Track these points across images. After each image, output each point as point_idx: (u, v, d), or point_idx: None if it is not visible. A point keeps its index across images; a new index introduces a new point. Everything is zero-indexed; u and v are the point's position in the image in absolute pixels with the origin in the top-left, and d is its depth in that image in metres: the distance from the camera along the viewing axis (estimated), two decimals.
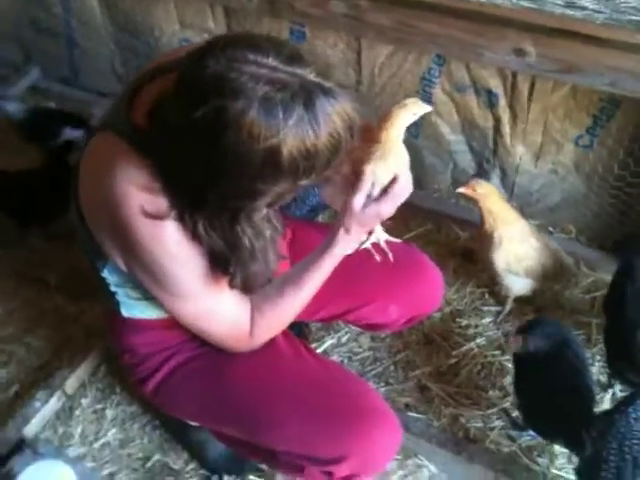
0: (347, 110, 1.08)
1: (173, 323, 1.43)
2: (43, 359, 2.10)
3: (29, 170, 2.38)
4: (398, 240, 1.66)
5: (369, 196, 1.38)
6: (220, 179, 1.10)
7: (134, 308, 1.49)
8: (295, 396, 1.47)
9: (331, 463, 1.43)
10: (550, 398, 1.65)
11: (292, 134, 1.03)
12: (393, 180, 1.37)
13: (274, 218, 1.34)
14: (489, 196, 1.97)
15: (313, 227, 1.86)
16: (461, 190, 1.96)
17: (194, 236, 1.22)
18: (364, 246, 1.58)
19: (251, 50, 1.03)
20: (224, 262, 1.27)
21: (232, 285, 1.33)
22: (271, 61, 1.03)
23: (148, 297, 1.41)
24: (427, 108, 1.44)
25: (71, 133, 2.59)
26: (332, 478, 1.48)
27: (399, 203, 1.39)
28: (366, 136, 1.51)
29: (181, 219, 1.20)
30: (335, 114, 1.06)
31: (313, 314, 1.72)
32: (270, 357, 1.51)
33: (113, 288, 1.45)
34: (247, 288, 1.35)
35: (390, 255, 1.61)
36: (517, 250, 1.99)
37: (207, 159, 1.07)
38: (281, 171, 1.07)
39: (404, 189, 1.38)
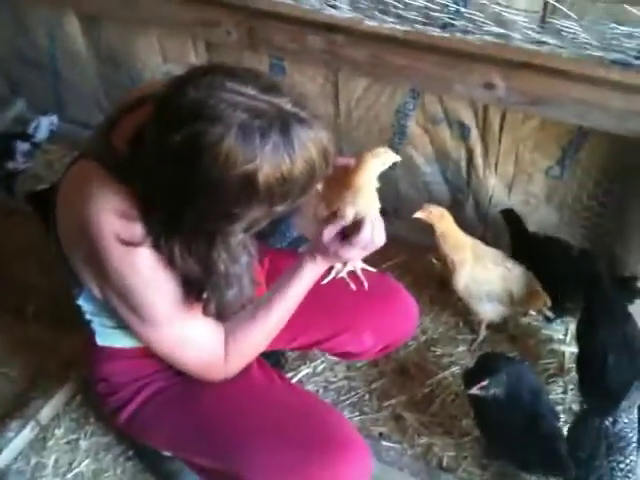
0: (322, 139, 1.12)
1: (148, 352, 1.44)
2: (19, 389, 2.09)
3: None
4: (373, 269, 1.70)
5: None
6: (196, 203, 1.12)
7: (109, 337, 1.50)
8: (266, 427, 1.47)
9: None
10: (514, 431, 1.68)
11: (268, 160, 1.06)
12: (357, 228, 1.39)
13: (249, 244, 1.35)
14: (442, 219, 2.03)
15: (290, 256, 1.88)
16: (417, 215, 2.00)
17: (169, 262, 1.24)
18: (340, 275, 1.62)
19: (230, 78, 1.07)
20: (198, 288, 1.29)
21: (206, 312, 1.34)
22: (249, 90, 1.06)
23: (123, 326, 1.42)
24: (396, 158, 1.51)
25: (22, 145, 2.74)
26: None
27: (367, 252, 1.42)
28: (341, 175, 1.56)
29: (157, 245, 1.22)
30: (310, 142, 1.10)
31: (288, 342, 1.73)
32: (243, 387, 1.52)
33: (88, 316, 1.47)
34: (221, 314, 1.37)
35: (365, 284, 1.65)
36: (473, 274, 2.03)
37: (184, 183, 1.10)
38: (257, 196, 1.10)
39: (370, 240, 1.39)
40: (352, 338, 1.73)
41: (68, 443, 1.97)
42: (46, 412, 1.99)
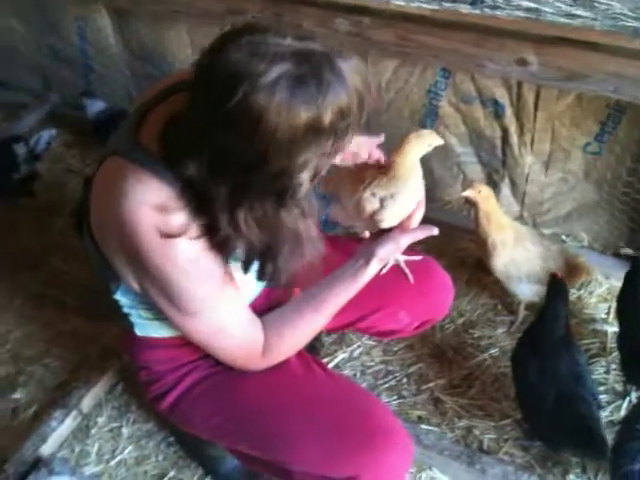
0: (361, 68, 1.12)
1: (187, 341, 1.44)
2: (61, 379, 2.14)
3: None
4: (417, 257, 1.69)
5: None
6: (264, 162, 1.10)
7: (148, 328, 1.51)
8: (308, 416, 1.47)
9: None
10: (548, 410, 1.67)
11: (328, 100, 1.06)
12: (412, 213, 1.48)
13: (311, 198, 1.31)
14: (489, 199, 2.00)
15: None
16: (466, 194, 1.97)
17: (227, 241, 1.21)
18: (384, 271, 1.61)
19: (268, 33, 1.07)
20: (267, 256, 1.27)
21: (278, 280, 1.33)
22: (289, 40, 1.06)
23: (161, 317, 1.43)
24: (440, 141, 1.53)
25: (21, 150, 2.79)
26: None
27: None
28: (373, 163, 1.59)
29: (209, 229, 1.20)
30: (355, 73, 1.10)
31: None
32: (283, 376, 1.52)
33: (126, 310, 1.47)
34: (293, 278, 1.34)
35: (410, 277, 1.65)
36: (513, 255, 1.99)
37: (249, 146, 1.08)
38: (322, 138, 1.09)
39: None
40: (388, 316, 1.73)
41: (110, 431, 2.00)
42: (88, 401, 2.02)
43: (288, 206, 1.20)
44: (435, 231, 1.47)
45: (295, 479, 1.53)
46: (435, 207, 2.49)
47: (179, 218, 1.19)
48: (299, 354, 1.56)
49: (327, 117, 1.06)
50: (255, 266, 1.31)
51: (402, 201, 1.52)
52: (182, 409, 1.58)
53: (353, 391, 1.59)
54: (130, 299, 1.43)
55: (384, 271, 1.61)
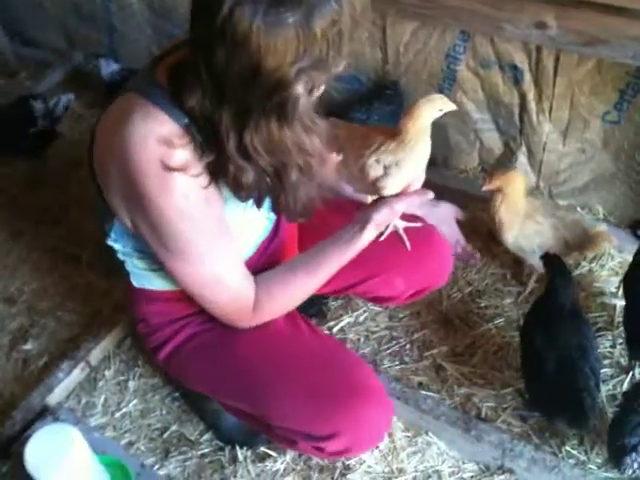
0: None
1: (182, 296, 1.46)
2: (73, 332, 2.18)
3: None
4: (417, 224, 1.68)
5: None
6: (259, 74, 1.09)
7: (142, 279, 1.54)
8: (290, 373, 1.50)
9: (323, 439, 1.47)
10: (552, 375, 1.67)
11: (315, 6, 1.04)
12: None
13: (315, 115, 1.29)
14: (511, 183, 1.95)
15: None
16: (485, 188, 1.96)
17: (241, 169, 1.21)
18: (383, 237, 1.61)
19: None
20: (279, 185, 1.29)
21: (293, 210, 1.35)
22: None
23: (155, 269, 1.45)
24: (452, 106, 1.51)
25: (38, 106, 2.77)
26: (323, 453, 1.51)
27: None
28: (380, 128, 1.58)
29: (217, 167, 1.21)
30: None
31: (322, 286, 1.73)
32: (270, 333, 1.54)
33: (120, 257, 1.49)
34: (308, 207, 1.36)
35: (408, 244, 1.64)
36: (523, 229, 1.97)
37: (242, 60, 1.07)
38: (314, 45, 1.07)
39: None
40: (384, 282, 1.73)
41: (117, 384, 2.04)
42: (96, 354, 2.06)
43: (290, 122, 1.19)
44: (430, 194, 1.45)
45: (275, 434, 1.57)
46: (450, 175, 2.46)
47: (183, 154, 1.21)
48: (288, 314, 1.57)
49: (316, 23, 1.05)
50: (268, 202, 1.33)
51: (407, 169, 1.51)
52: (176, 363, 1.63)
53: (337, 351, 1.61)
54: (122, 244, 1.44)
55: (383, 237, 1.60)
